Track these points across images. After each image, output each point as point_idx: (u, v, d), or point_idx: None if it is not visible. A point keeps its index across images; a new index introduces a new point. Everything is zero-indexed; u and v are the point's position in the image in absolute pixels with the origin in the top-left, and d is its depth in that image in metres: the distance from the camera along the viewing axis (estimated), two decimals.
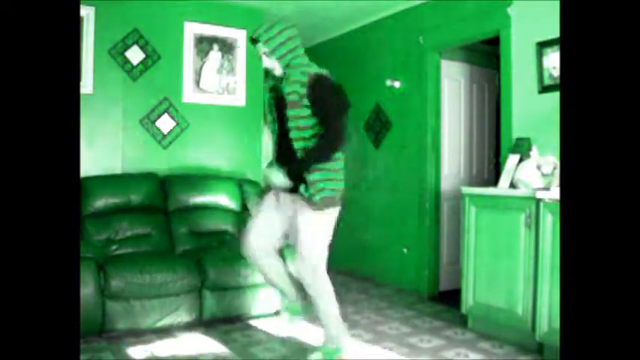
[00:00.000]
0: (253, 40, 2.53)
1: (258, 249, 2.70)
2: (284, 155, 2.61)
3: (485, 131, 4.83)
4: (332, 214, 2.61)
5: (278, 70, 2.56)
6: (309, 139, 2.52)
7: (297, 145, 2.53)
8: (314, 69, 2.54)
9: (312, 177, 2.51)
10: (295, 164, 2.51)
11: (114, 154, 4.16)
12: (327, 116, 2.47)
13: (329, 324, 2.68)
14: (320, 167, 2.51)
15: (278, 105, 2.62)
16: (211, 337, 3.28)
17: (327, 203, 2.54)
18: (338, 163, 2.59)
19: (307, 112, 2.48)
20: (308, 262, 2.58)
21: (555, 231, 2.81)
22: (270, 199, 2.74)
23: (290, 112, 2.50)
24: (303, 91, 2.45)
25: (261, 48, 2.50)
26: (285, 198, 2.66)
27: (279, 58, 2.51)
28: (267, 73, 2.64)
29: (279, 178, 2.54)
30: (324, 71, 2.56)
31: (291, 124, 2.51)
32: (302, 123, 2.50)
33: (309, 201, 2.51)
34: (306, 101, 2.46)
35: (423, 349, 3.12)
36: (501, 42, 3.74)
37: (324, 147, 2.48)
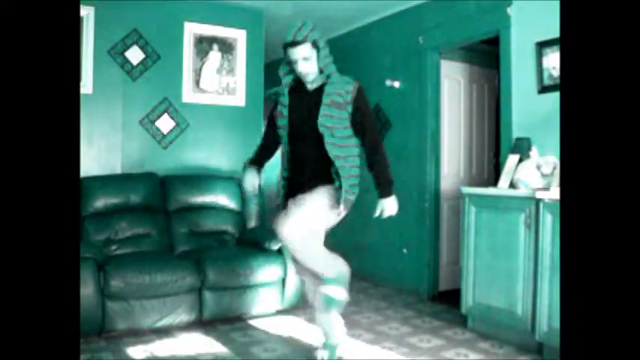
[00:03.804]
0: (294, 44, 2.41)
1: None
2: (297, 167, 2.65)
3: (485, 131, 4.83)
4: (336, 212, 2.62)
5: (313, 76, 2.54)
6: (339, 144, 2.54)
7: (330, 145, 2.53)
8: (348, 78, 2.61)
9: (351, 180, 2.62)
10: (386, 178, 2.73)
11: (114, 154, 4.16)
12: (370, 128, 2.60)
13: (327, 271, 2.58)
14: (353, 172, 2.63)
15: (297, 109, 2.60)
16: (211, 337, 3.28)
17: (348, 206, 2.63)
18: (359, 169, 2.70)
19: (346, 115, 2.52)
20: (294, 229, 2.47)
21: (555, 231, 2.81)
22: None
23: (329, 111, 2.48)
24: (349, 97, 2.50)
25: (302, 51, 2.42)
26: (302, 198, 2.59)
27: (324, 65, 2.53)
28: (285, 76, 2.64)
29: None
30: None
31: (321, 126, 2.48)
32: (337, 123, 2.52)
33: (342, 199, 2.56)
34: (349, 107, 2.51)
35: (422, 349, 3.12)
36: (501, 42, 3.74)
37: (384, 155, 2.68)
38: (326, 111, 2.48)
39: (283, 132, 2.65)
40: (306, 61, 2.45)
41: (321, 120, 2.48)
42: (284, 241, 2.49)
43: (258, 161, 2.86)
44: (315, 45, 2.45)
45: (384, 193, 2.70)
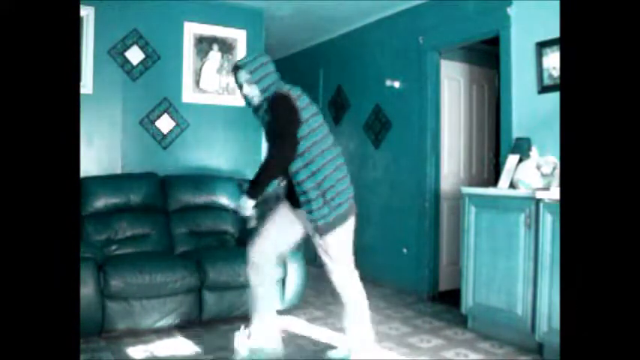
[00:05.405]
0: (236, 68, 2.56)
1: (261, 252, 2.68)
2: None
3: (485, 131, 4.83)
4: (347, 227, 2.58)
5: (257, 100, 2.56)
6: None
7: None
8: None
9: (314, 204, 2.47)
10: (250, 185, 2.51)
11: (114, 154, 4.16)
12: (276, 134, 2.47)
13: (357, 331, 2.69)
14: (318, 188, 2.47)
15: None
16: (211, 337, 3.28)
17: (337, 222, 2.51)
18: (337, 173, 2.53)
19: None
20: (339, 274, 2.62)
21: (555, 231, 2.81)
22: (284, 208, 2.70)
23: (268, 141, 2.58)
24: (267, 115, 2.51)
25: (243, 76, 2.53)
26: (299, 213, 2.63)
27: (263, 91, 2.52)
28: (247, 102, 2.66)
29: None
30: (289, 89, 2.51)
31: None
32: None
33: (319, 225, 2.49)
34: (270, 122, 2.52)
35: (422, 349, 3.12)
36: (501, 42, 3.74)
37: (269, 165, 2.46)
38: (268, 140, 2.59)
39: None
40: (248, 84, 2.53)
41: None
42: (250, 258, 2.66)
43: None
44: (251, 72, 2.50)
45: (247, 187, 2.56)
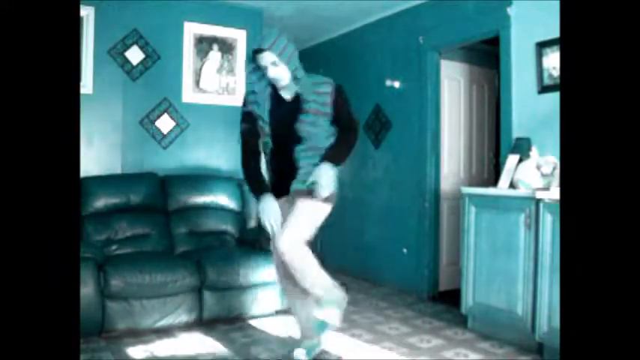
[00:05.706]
0: (259, 51, 2.46)
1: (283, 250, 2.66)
2: (284, 170, 2.65)
3: (485, 131, 4.83)
4: (325, 207, 2.61)
5: (285, 81, 2.53)
6: (318, 148, 2.58)
7: (305, 153, 2.58)
8: (319, 78, 2.64)
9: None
10: (330, 160, 2.50)
11: (114, 154, 4.16)
12: (348, 119, 2.64)
13: (326, 293, 2.57)
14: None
15: (277, 116, 2.62)
16: (211, 337, 3.28)
17: (331, 197, 2.57)
18: None
19: (325, 119, 2.58)
20: (295, 244, 2.50)
21: (555, 231, 2.81)
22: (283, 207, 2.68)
23: (308, 118, 2.54)
24: (327, 99, 2.56)
25: (269, 57, 2.45)
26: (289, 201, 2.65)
27: (294, 70, 2.51)
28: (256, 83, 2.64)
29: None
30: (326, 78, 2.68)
31: (302, 133, 2.56)
32: (318, 130, 2.58)
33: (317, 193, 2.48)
34: (327, 109, 2.57)
35: (422, 349, 3.12)
36: (501, 42, 3.74)
37: (351, 142, 2.62)
38: (309, 118, 2.55)
39: (267, 138, 2.70)
40: (275, 66, 2.48)
41: (301, 126, 2.56)
42: (283, 258, 2.52)
43: (264, 181, 2.77)
44: (280, 54, 2.45)
45: (327, 158, 2.52)
